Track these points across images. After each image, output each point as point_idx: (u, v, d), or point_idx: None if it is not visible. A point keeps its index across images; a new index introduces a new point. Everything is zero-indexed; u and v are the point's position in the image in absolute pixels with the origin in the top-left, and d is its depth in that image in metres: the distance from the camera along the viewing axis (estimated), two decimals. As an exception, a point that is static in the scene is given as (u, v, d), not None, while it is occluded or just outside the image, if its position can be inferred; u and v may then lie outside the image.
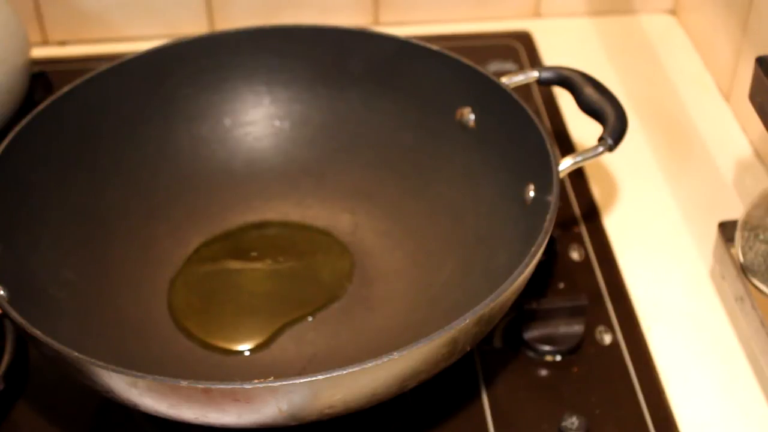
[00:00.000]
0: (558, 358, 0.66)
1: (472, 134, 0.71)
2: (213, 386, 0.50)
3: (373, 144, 0.76)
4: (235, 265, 0.72)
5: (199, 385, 0.50)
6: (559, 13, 0.99)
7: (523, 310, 0.66)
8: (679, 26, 0.97)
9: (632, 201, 0.78)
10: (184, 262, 0.72)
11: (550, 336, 0.66)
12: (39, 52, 0.93)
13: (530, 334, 0.66)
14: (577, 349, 0.66)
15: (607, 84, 0.69)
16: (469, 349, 0.57)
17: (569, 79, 0.69)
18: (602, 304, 0.69)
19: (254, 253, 0.72)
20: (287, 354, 0.66)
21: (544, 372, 0.65)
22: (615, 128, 0.65)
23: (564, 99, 0.86)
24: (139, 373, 0.51)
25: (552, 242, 0.72)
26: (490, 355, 0.66)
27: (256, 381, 0.50)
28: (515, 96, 0.67)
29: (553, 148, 0.63)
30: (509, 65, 0.92)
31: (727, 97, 0.87)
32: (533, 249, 0.57)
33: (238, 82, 0.77)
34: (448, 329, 0.53)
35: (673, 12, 0.99)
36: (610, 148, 0.65)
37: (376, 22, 0.98)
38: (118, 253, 0.70)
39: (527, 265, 0.57)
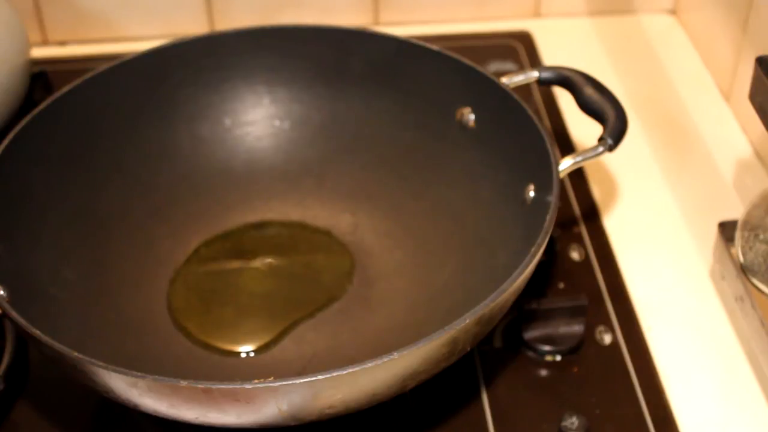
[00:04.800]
0: (558, 358, 0.66)
1: (472, 134, 0.71)
2: (213, 386, 0.50)
3: (373, 144, 0.76)
4: (235, 265, 0.72)
5: (199, 385, 0.50)
6: (559, 13, 0.99)
7: (523, 310, 0.66)
8: (679, 26, 0.97)
9: (632, 201, 0.78)
10: (184, 262, 0.72)
11: (550, 336, 0.66)
12: (39, 52, 0.93)
13: (530, 334, 0.66)
14: (577, 349, 0.66)
15: (607, 84, 0.69)
16: (469, 349, 0.57)
17: (569, 79, 0.69)
18: (602, 304, 0.69)
19: (254, 253, 0.72)
20: (287, 354, 0.66)
21: (544, 372, 0.65)
22: (615, 128, 0.65)
23: (564, 99, 0.86)
24: (139, 373, 0.51)
25: (552, 242, 0.72)
26: (490, 355, 0.66)
27: (256, 381, 0.50)
28: (515, 96, 0.67)
29: (553, 148, 0.63)
30: (509, 65, 0.92)
31: (727, 97, 0.87)
32: (533, 249, 0.57)
33: (238, 82, 0.77)
34: (448, 329, 0.53)
35: (673, 12, 0.99)
36: (610, 148, 0.65)
37: (376, 22, 0.98)
38: (118, 253, 0.70)
39: (527, 265, 0.57)
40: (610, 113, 0.66)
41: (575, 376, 0.65)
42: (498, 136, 0.69)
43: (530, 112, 0.66)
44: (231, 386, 0.50)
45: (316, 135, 0.77)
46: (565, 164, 0.64)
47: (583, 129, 0.82)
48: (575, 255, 0.73)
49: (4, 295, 0.58)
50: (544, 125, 0.72)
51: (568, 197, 0.78)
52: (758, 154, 0.81)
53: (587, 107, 0.68)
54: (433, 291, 0.68)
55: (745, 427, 0.62)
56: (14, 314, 0.55)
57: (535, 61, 0.92)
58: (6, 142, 0.65)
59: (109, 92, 0.73)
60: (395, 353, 0.51)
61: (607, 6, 0.99)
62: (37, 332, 0.54)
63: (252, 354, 0.66)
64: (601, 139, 0.65)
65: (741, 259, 0.66)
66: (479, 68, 0.70)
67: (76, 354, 0.52)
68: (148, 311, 0.68)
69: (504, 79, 0.69)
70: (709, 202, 0.77)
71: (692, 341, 0.67)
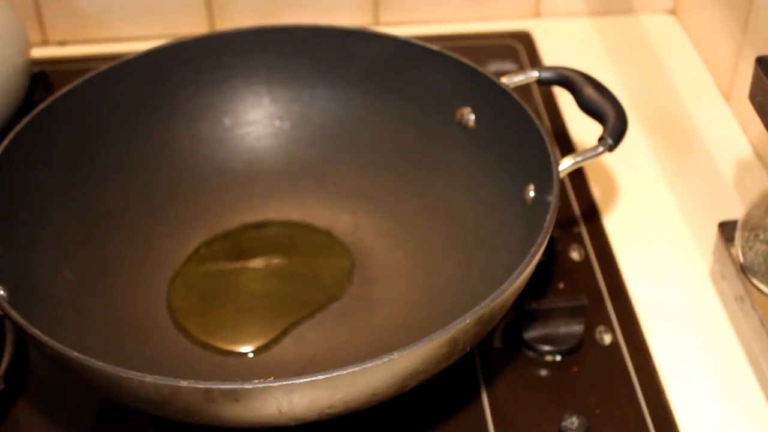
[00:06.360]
0: (558, 358, 0.66)
1: (472, 134, 0.71)
2: (213, 386, 0.50)
3: (373, 144, 0.76)
4: (234, 265, 0.72)
5: (199, 385, 0.50)
6: (559, 13, 0.99)
7: (523, 310, 0.66)
8: (679, 26, 0.97)
9: (632, 201, 0.78)
10: (184, 262, 0.72)
11: (550, 336, 0.66)
12: (39, 52, 0.93)
13: (530, 334, 0.66)
14: (577, 349, 0.66)
15: (607, 84, 0.69)
16: (469, 349, 0.57)
17: (569, 79, 0.69)
18: (602, 304, 0.69)
19: (254, 253, 0.72)
20: (287, 354, 0.66)
21: (544, 372, 0.65)
22: (615, 128, 0.65)
23: (564, 99, 0.86)
24: (139, 373, 0.51)
25: (552, 242, 0.72)
26: (490, 355, 0.66)
27: (256, 381, 0.50)
28: (515, 96, 0.67)
29: (553, 148, 0.63)
30: (509, 65, 0.92)
31: (727, 97, 0.87)
32: (533, 249, 0.57)
33: (238, 82, 0.77)
34: (448, 329, 0.53)
35: (673, 12, 0.99)
36: (610, 148, 0.65)
37: (376, 22, 0.98)
38: (118, 253, 0.70)
39: (527, 265, 0.57)
40: (610, 113, 0.66)
41: (575, 376, 0.65)
42: (498, 136, 0.69)
43: (530, 112, 0.66)
44: (231, 386, 0.50)
45: (316, 135, 0.77)
46: (565, 164, 0.64)
47: (583, 129, 0.82)
48: (575, 255, 0.73)
49: (4, 295, 0.58)
50: (544, 125, 0.72)
51: (568, 197, 0.78)
52: (758, 154, 0.81)
53: (587, 107, 0.68)
54: (433, 291, 0.68)
55: (745, 427, 0.62)
56: (14, 314, 0.55)
57: (535, 61, 0.92)
58: (6, 142, 0.65)
59: (109, 92, 0.73)
60: (395, 353, 0.51)
61: (607, 6, 0.99)
62: (37, 332, 0.54)
63: (252, 354, 0.66)
64: (601, 139, 0.65)
65: (741, 259, 0.66)
66: (479, 68, 0.70)
67: (76, 354, 0.52)
68: (148, 311, 0.68)
69: (504, 79, 0.69)
70: (709, 202, 0.77)
71: (692, 341, 0.67)
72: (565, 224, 0.75)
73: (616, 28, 0.97)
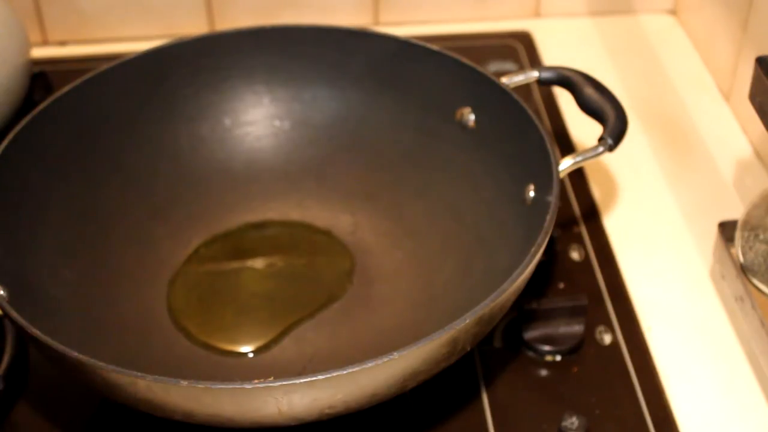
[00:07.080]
0: (558, 358, 0.66)
1: (472, 134, 0.71)
2: (213, 386, 0.50)
3: (373, 144, 0.76)
4: (234, 265, 0.72)
5: (199, 385, 0.50)
6: (559, 13, 0.99)
7: (523, 310, 0.66)
8: (679, 26, 0.97)
9: (632, 201, 0.78)
10: (184, 262, 0.72)
11: (550, 336, 0.66)
12: (39, 52, 0.93)
13: (530, 334, 0.66)
14: (577, 349, 0.66)
15: (607, 84, 0.69)
16: (469, 349, 0.57)
17: (569, 79, 0.69)
18: (602, 304, 0.69)
19: (254, 253, 0.72)
20: (287, 354, 0.66)
21: (544, 372, 0.65)
22: (615, 128, 0.65)
23: (564, 99, 0.86)
24: (139, 373, 0.51)
25: (552, 242, 0.72)
26: (490, 355, 0.66)
27: (256, 381, 0.50)
28: (515, 96, 0.67)
29: (553, 148, 0.63)
30: (509, 65, 0.92)
31: (727, 97, 0.87)
32: (533, 249, 0.57)
33: (237, 81, 0.77)
34: (448, 329, 0.53)
35: (673, 12, 0.99)
36: (610, 148, 0.65)
37: (376, 22, 0.98)
38: (118, 253, 0.70)
39: (527, 265, 0.57)
40: (610, 113, 0.66)
41: (575, 376, 0.65)
42: (498, 136, 0.69)
43: (530, 112, 0.66)
44: (231, 386, 0.50)
45: (316, 135, 0.77)
46: (565, 164, 0.64)
47: (583, 129, 0.82)
48: (575, 255, 0.73)
49: (4, 295, 0.58)
50: (544, 125, 0.72)
51: (568, 197, 0.78)
52: (758, 154, 0.81)
53: (587, 107, 0.68)
54: (433, 291, 0.68)
55: (745, 427, 0.62)
56: (14, 314, 0.55)
57: (535, 61, 0.92)
58: (6, 142, 0.65)
59: (109, 92, 0.73)
60: (395, 353, 0.51)
61: (607, 6, 0.99)
62: (36, 332, 0.54)
63: (252, 354, 0.66)
64: (601, 139, 0.65)
65: (741, 259, 0.66)
66: (479, 68, 0.70)
67: (76, 354, 0.52)
68: (148, 311, 0.68)
69: (504, 79, 0.69)
70: (709, 202, 0.77)
71: (692, 341, 0.67)
72: (565, 224, 0.75)
73: (616, 28, 0.97)
